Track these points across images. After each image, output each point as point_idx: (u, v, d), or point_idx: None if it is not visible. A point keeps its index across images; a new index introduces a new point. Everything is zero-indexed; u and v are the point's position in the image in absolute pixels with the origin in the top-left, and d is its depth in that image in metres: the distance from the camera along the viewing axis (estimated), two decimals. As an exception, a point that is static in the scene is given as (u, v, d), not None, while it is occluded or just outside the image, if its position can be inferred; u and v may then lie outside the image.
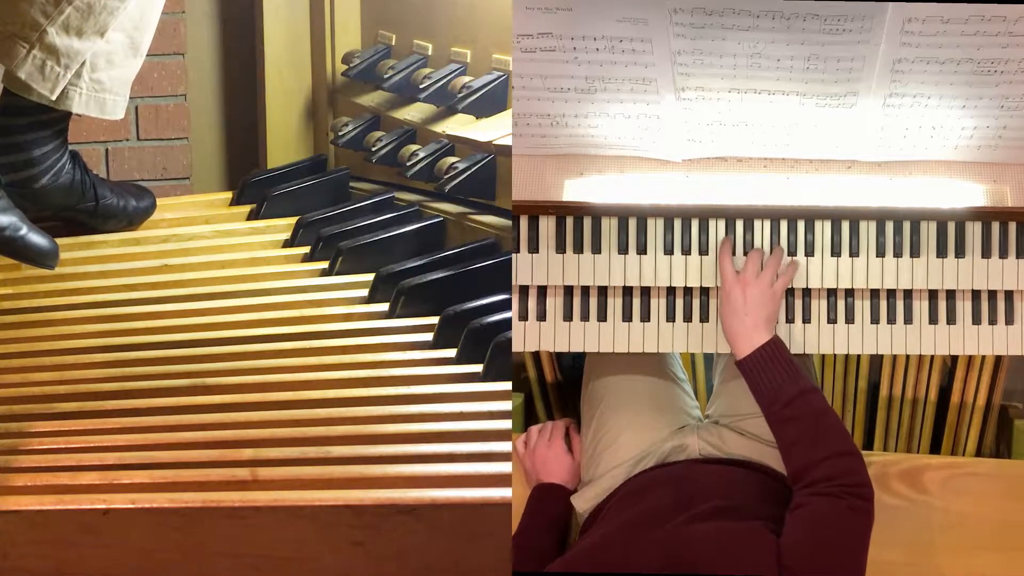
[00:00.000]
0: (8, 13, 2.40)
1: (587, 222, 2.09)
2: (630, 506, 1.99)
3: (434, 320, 2.32)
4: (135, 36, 2.54)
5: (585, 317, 2.10)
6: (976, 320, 2.10)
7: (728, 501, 1.93)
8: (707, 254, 2.08)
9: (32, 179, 2.56)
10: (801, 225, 2.09)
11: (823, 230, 2.09)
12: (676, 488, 2.00)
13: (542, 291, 2.10)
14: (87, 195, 2.63)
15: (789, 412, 1.94)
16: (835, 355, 2.56)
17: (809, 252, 2.09)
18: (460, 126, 2.67)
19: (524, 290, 2.10)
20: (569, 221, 2.09)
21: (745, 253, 2.08)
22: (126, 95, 2.59)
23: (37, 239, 2.46)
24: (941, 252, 2.09)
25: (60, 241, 2.57)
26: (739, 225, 2.09)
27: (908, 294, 2.10)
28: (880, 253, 2.09)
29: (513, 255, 2.09)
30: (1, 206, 2.42)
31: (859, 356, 2.60)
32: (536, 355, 2.64)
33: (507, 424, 2.00)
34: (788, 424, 1.94)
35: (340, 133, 2.91)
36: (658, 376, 2.23)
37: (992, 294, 2.10)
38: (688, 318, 2.10)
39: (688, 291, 2.10)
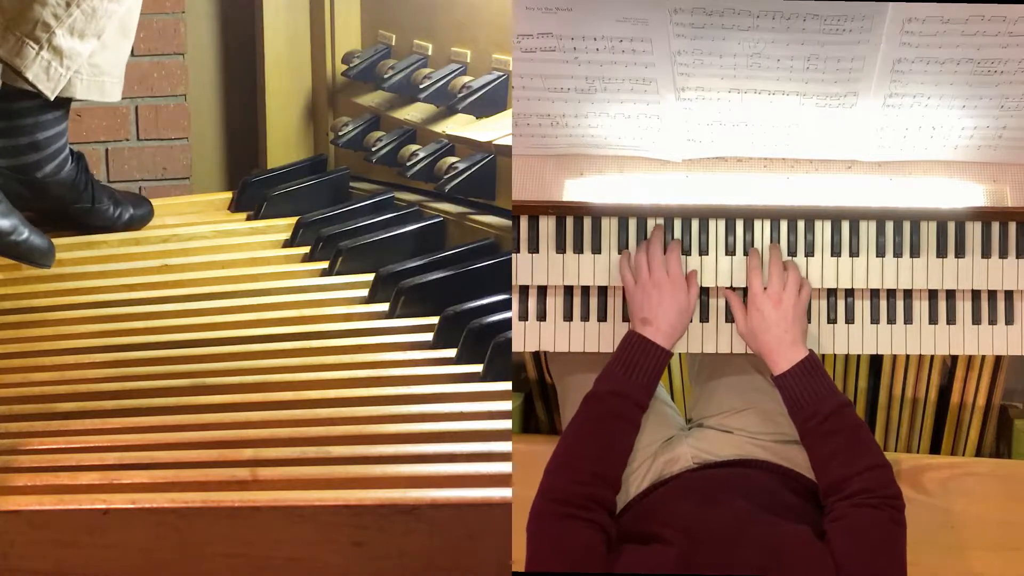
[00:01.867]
0: (20, 15, 2.42)
1: (587, 222, 2.09)
2: (653, 526, 1.96)
3: (434, 320, 2.32)
4: (126, 19, 2.57)
5: (585, 317, 2.10)
6: (976, 320, 2.10)
7: (749, 501, 1.93)
8: (707, 254, 2.08)
9: (35, 165, 2.57)
10: (801, 225, 2.09)
11: (823, 230, 2.09)
12: (694, 499, 1.98)
13: (542, 291, 2.10)
14: (84, 196, 2.64)
15: (828, 426, 1.94)
16: (835, 355, 2.56)
17: (809, 252, 2.08)
18: (460, 126, 2.67)
19: (524, 290, 2.10)
20: (569, 221, 2.09)
21: (746, 253, 2.07)
22: (122, 77, 2.62)
23: (37, 241, 2.47)
24: (941, 252, 2.09)
25: (60, 241, 2.57)
26: (739, 225, 2.09)
27: (908, 294, 2.10)
28: (880, 253, 2.09)
29: (513, 255, 2.09)
30: (2, 210, 2.43)
31: (859, 356, 2.60)
32: (536, 355, 2.64)
33: (507, 424, 2.00)
34: (827, 438, 1.94)
35: (340, 133, 2.91)
36: None
37: (992, 294, 2.10)
38: (688, 318, 2.10)
39: (688, 291, 2.10)
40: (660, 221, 2.08)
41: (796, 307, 2.02)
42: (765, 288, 2.03)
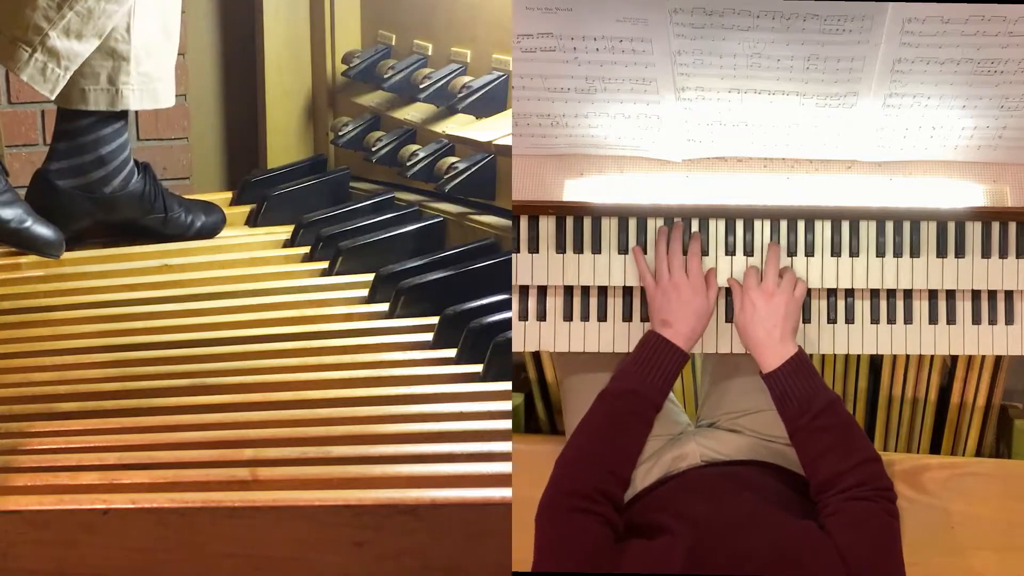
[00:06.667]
0: (11, 17, 2.42)
1: (587, 222, 2.09)
2: (661, 518, 1.96)
3: (434, 320, 2.32)
4: (166, 20, 2.57)
5: (585, 317, 2.10)
6: (976, 320, 2.10)
7: (755, 496, 1.93)
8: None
9: (103, 181, 2.58)
10: (801, 225, 2.09)
11: (823, 230, 2.09)
12: (703, 494, 1.98)
13: (542, 291, 2.10)
14: (156, 207, 2.65)
15: (820, 423, 1.93)
16: (835, 355, 2.56)
17: (809, 252, 2.09)
18: (460, 126, 2.68)
19: (524, 290, 2.10)
20: (569, 221, 2.09)
21: (746, 253, 2.07)
22: (172, 79, 2.62)
23: (42, 230, 2.48)
24: (941, 252, 2.09)
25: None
26: (739, 225, 2.09)
27: (908, 294, 2.10)
28: (880, 253, 2.09)
29: (513, 255, 2.09)
30: (6, 199, 2.43)
31: (859, 356, 2.60)
32: (536, 355, 2.64)
33: (507, 424, 2.00)
34: (818, 434, 1.93)
35: (340, 133, 2.91)
36: None
37: (992, 294, 2.10)
38: (688, 318, 2.10)
39: (688, 291, 2.10)
40: (665, 221, 2.08)
41: (788, 304, 2.01)
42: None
